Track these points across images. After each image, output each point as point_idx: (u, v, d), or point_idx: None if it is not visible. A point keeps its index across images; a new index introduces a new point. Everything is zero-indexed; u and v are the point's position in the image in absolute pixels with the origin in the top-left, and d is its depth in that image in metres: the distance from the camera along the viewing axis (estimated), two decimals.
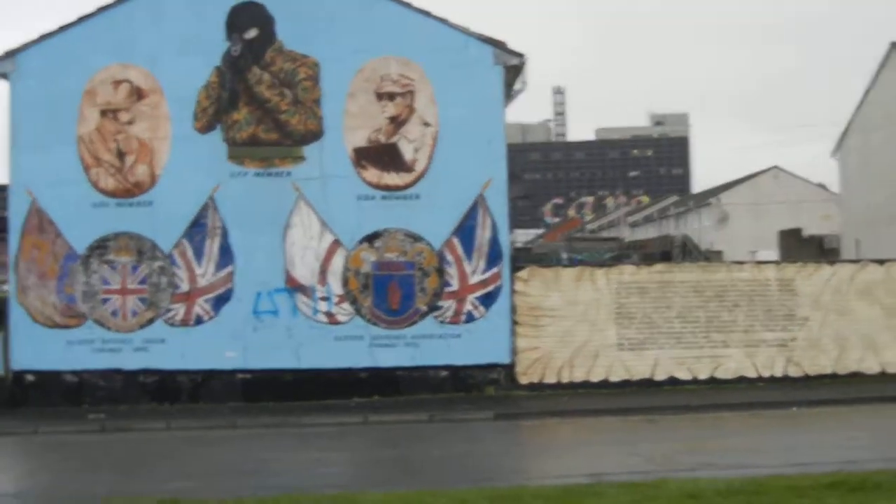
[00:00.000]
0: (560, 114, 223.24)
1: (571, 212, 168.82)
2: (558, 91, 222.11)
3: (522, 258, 51.82)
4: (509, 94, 25.87)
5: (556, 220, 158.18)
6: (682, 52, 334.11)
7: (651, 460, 14.95)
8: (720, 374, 23.38)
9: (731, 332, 23.50)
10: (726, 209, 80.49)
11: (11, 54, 23.91)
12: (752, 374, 23.44)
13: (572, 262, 37.95)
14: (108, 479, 15.12)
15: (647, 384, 23.15)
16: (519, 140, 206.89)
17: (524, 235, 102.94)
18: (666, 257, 42.06)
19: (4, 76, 23.93)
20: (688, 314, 23.48)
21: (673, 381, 23.20)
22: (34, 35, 24.23)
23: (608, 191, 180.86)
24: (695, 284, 23.56)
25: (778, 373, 23.54)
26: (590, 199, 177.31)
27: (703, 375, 23.35)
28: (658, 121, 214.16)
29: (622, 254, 50.80)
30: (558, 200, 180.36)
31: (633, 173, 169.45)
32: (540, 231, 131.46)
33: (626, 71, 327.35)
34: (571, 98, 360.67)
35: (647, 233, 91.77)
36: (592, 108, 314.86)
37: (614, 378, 23.19)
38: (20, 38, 24.63)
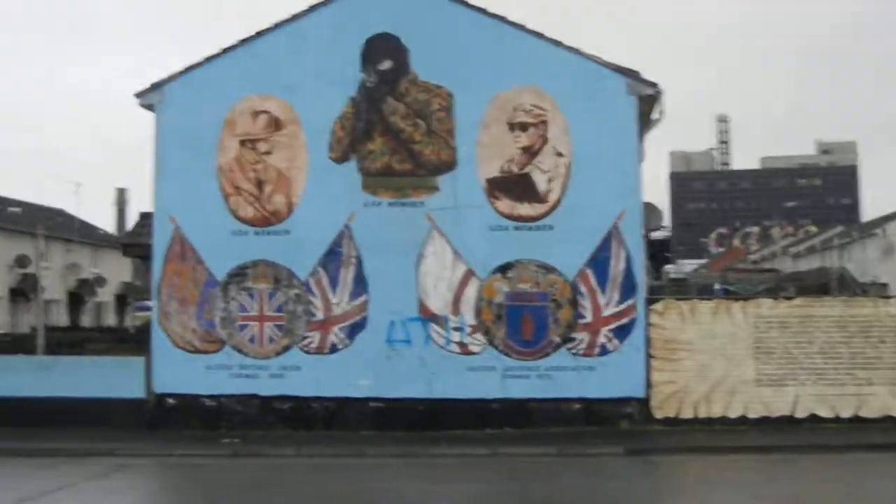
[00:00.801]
0: (724, 142, 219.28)
1: (736, 242, 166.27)
2: (722, 119, 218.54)
3: (672, 290, 51.20)
4: (646, 123, 25.60)
5: (721, 249, 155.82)
6: (849, 78, 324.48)
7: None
8: (864, 413, 22.58)
9: (877, 370, 22.70)
10: (892, 240, 77.69)
11: (158, 86, 24.65)
12: None
13: (724, 294, 37.28)
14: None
15: (787, 421, 22.51)
16: (683, 169, 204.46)
17: (688, 266, 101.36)
18: (823, 290, 40.98)
19: (151, 107, 24.66)
20: (830, 350, 22.78)
21: (814, 419, 22.51)
22: (179, 67, 24.94)
23: (774, 220, 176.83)
24: (838, 319, 22.85)
25: None
26: (755, 229, 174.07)
27: (846, 413, 22.59)
28: (825, 149, 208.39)
29: (777, 286, 49.67)
30: (723, 230, 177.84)
31: (790, 203, 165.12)
32: (703, 261, 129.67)
33: (792, 98, 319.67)
34: (736, 125, 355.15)
35: (810, 264, 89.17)
36: (757, 137, 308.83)
37: (752, 414, 22.62)
38: (168, 70, 25.01)
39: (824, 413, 22.57)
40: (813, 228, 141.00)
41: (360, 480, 17.99)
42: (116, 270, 62.70)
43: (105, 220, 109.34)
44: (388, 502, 15.83)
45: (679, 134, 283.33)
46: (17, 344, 42.12)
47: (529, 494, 16.68)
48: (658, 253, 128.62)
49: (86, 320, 58.92)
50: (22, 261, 50.96)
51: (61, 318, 57.03)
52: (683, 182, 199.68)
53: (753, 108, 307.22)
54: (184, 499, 17.59)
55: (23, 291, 53.19)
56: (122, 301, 65.30)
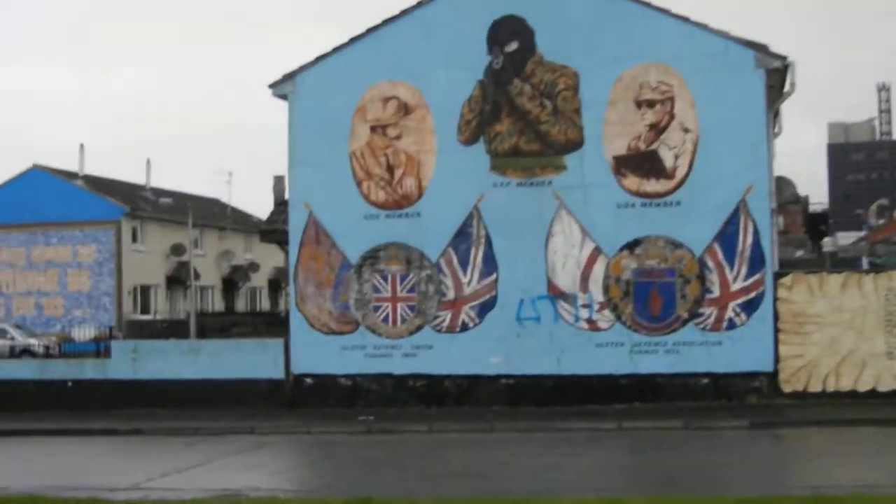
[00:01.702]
0: (885, 111, 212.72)
1: None
2: (883, 88, 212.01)
3: (823, 263, 50.42)
4: (777, 96, 25.36)
5: (881, 221, 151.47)
6: None
7: (892, 475, 14.45)
8: None
9: None
10: None
11: (290, 76, 25.46)
12: None
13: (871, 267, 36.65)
14: (349, 477, 16.08)
15: None
16: (841, 140, 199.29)
17: (847, 238, 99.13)
18: None
19: (284, 97, 25.48)
20: None
21: None
22: (310, 58, 25.67)
23: None
24: None
25: None
26: None
27: None
28: None
29: None
30: (883, 201, 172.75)
31: None
32: (863, 233, 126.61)
33: None
34: None
35: None
36: None
37: (883, 388, 22.26)
38: (299, 61, 25.85)
39: None
40: None
41: (484, 453, 18.42)
42: (270, 256, 64.40)
43: (260, 208, 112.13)
44: (505, 473, 16.18)
45: (838, 104, 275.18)
46: (172, 329, 44.20)
47: (649, 465, 16.92)
48: (816, 226, 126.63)
49: (240, 305, 60.90)
50: (177, 249, 52.88)
51: (216, 303, 59.09)
52: (842, 153, 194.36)
53: None
54: (318, 472, 18.30)
55: (179, 279, 55.25)
56: (275, 286, 67.19)
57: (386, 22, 25.13)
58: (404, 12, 25.04)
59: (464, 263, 24.19)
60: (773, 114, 27.63)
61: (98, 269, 51.56)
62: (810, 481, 14.02)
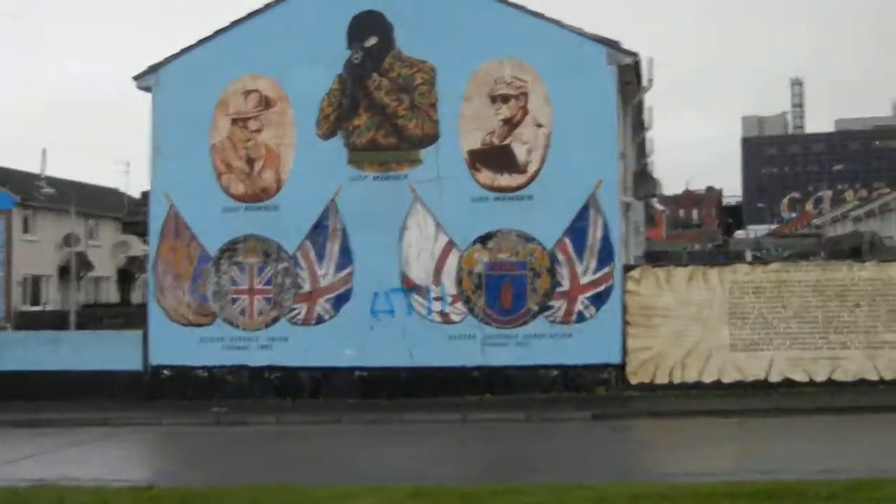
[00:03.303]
0: (798, 105, 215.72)
1: (809, 206, 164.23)
2: (796, 82, 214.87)
3: (718, 256, 51.38)
4: (633, 92, 25.95)
5: (793, 214, 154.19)
6: None
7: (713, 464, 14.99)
8: (839, 377, 22.71)
9: (852, 333, 22.83)
10: None
11: (154, 69, 25.51)
12: (873, 376, 22.70)
13: (754, 260, 37.39)
14: (173, 468, 16.30)
15: (762, 385, 22.70)
16: (755, 133, 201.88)
17: (758, 231, 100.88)
18: (855, 253, 41.02)
19: (148, 89, 25.51)
20: (805, 314, 22.94)
21: (788, 383, 22.67)
22: (174, 50, 25.72)
23: (848, 184, 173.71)
24: (814, 284, 22.98)
25: None
26: (828, 193, 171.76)
27: (820, 377, 22.73)
28: None
29: (806, 251, 49.63)
30: (795, 195, 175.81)
31: (837, 167, 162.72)
32: (773, 226, 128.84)
33: (867, 59, 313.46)
34: (810, 89, 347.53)
35: (869, 227, 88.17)
36: (832, 99, 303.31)
37: (727, 379, 22.89)
38: (163, 53, 25.84)
39: (798, 377, 22.74)
40: (887, 191, 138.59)
41: (322, 445, 18.76)
42: None
43: None
44: (332, 463, 16.47)
45: (751, 98, 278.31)
46: (61, 320, 43.63)
47: (472, 455, 17.28)
48: (727, 219, 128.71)
49: (137, 297, 60.39)
50: (69, 239, 52.33)
51: (112, 294, 58.61)
52: (756, 147, 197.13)
53: (828, 71, 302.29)
54: (145, 462, 18.47)
55: (69, 270, 54.76)
56: None
57: (250, 15, 25.30)
58: (268, 6, 25.23)
59: (320, 256, 24.41)
60: (636, 108, 28.31)
61: None
62: (628, 469, 14.47)
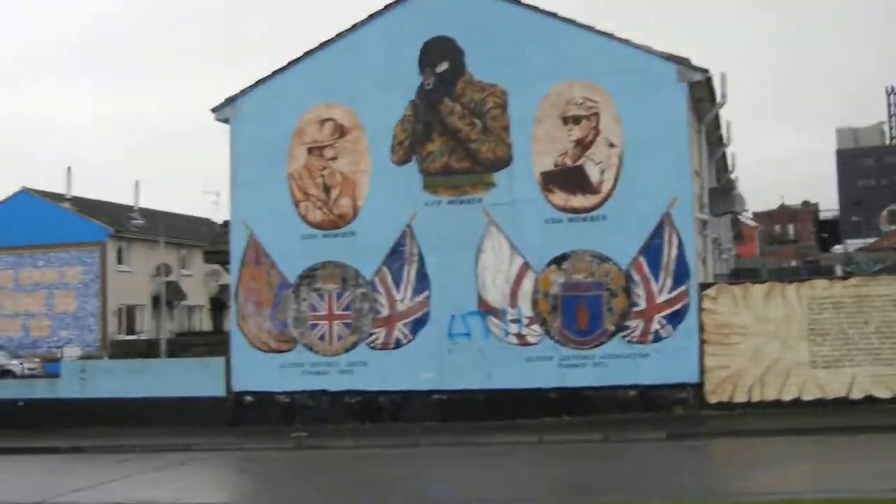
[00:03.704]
0: (895, 115, 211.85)
1: None
2: (892, 91, 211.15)
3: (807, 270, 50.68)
4: (706, 108, 25.85)
5: (892, 227, 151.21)
6: None
7: (773, 481, 14.85)
8: None
9: None
10: None
11: (232, 100, 26.09)
12: None
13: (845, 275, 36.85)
14: (250, 490, 16.52)
15: (843, 403, 22.35)
16: (851, 145, 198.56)
17: (856, 245, 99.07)
18: None
19: (226, 120, 26.09)
20: (887, 329, 22.56)
21: (870, 400, 22.28)
22: (251, 81, 26.24)
23: None
24: (894, 298, 22.63)
25: None
26: None
27: None
28: None
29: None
30: (894, 207, 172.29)
31: None
32: (872, 240, 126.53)
33: None
34: None
35: None
36: None
37: (807, 396, 22.57)
38: (240, 85, 26.40)
39: (881, 394, 22.30)
40: None
41: (397, 468, 18.91)
42: None
43: None
44: (404, 485, 16.63)
45: (846, 109, 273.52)
46: (154, 348, 44.55)
47: (544, 476, 17.30)
48: (825, 233, 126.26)
49: (228, 324, 61.29)
50: (161, 269, 53.41)
51: (205, 322, 59.60)
52: (851, 159, 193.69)
53: None
54: (223, 485, 18.79)
55: (165, 298, 55.86)
56: None
57: (322, 45, 25.73)
58: (339, 35, 25.63)
59: (397, 281, 24.67)
60: (711, 125, 28.15)
61: (84, 290, 52.31)
62: (698, 488, 14.41)
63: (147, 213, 56.96)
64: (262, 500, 15.44)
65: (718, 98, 26.31)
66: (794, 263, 74.21)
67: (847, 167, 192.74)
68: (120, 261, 54.13)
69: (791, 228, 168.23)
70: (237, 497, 16.25)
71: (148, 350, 44.30)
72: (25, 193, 55.14)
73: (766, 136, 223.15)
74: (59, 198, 55.33)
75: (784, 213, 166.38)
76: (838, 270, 46.89)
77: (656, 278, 23.41)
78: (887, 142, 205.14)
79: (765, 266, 51.85)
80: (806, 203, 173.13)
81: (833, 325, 22.73)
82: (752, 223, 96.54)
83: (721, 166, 37.59)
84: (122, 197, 68.03)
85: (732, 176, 43.30)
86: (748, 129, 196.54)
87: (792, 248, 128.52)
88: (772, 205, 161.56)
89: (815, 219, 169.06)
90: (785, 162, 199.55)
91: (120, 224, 53.09)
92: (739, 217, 61.05)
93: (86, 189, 57.16)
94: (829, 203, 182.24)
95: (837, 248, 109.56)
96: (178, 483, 18.55)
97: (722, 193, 27.68)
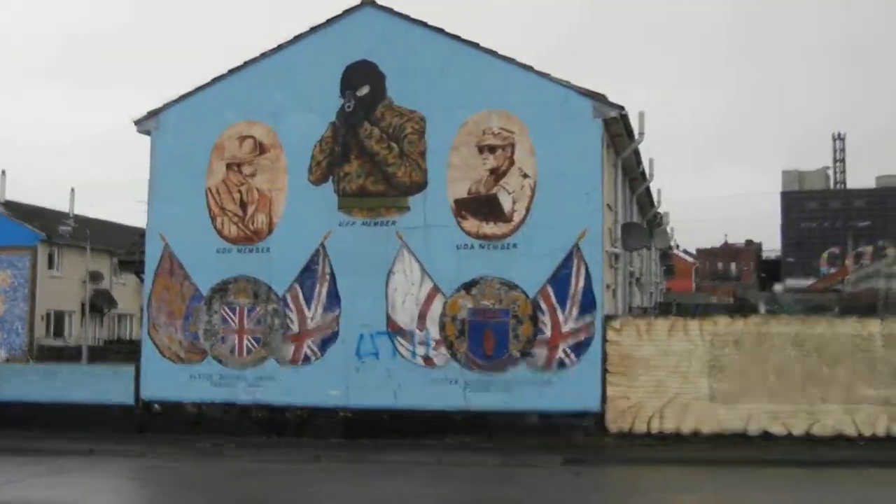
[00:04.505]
0: (840, 160, 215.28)
1: (848, 261, 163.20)
2: (838, 137, 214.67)
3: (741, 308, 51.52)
4: (623, 145, 26.41)
5: (832, 269, 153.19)
6: None
7: None
8: (817, 431, 22.80)
9: (831, 388, 22.97)
10: None
11: (154, 113, 26.32)
12: (851, 431, 22.80)
13: (767, 313, 37.54)
14: (134, 499, 16.69)
15: (740, 438, 22.86)
16: (796, 188, 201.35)
17: (798, 284, 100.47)
18: (870, 310, 40.95)
19: (148, 132, 26.30)
20: (784, 368, 23.12)
21: (766, 436, 22.83)
22: (173, 96, 26.52)
23: (890, 241, 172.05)
24: (793, 338, 23.16)
25: (881, 431, 22.81)
26: (869, 249, 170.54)
27: (798, 431, 22.86)
28: None
29: (822, 306, 49.55)
30: (835, 250, 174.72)
31: (862, 223, 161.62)
32: (811, 281, 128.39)
33: None
34: (851, 144, 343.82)
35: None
36: (874, 154, 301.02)
37: (706, 430, 23.04)
38: (163, 98, 26.63)
39: (777, 430, 22.85)
40: None
41: (287, 483, 19.09)
42: None
43: None
44: (296, 499, 16.89)
45: (794, 154, 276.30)
46: (79, 354, 44.44)
47: (433, 495, 17.62)
48: (764, 272, 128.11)
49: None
50: (94, 277, 53.29)
51: (136, 331, 59.41)
52: (796, 201, 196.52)
53: (869, 124, 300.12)
54: (115, 491, 18.94)
55: (95, 306, 55.71)
56: None
57: (246, 64, 26.04)
58: (263, 55, 25.97)
59: (308, 298, 24.97)
60: (631, 160, 28.69)
61: (13, 294, 51.92)
62: None
63: (82, 221, 56.80)
64: None
65: (636, 135, 26.89)
66: (729, 300, 75.12)
67: (791, 209, 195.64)
68: (51, 266, 53.88)
69: (733, 266, 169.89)
70: (117, 502, 16.42)
71: (75, 356, 44.31)
72: None
73: (715, 175, 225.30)
74: None
75: (728, 251, 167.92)
76: (762, 308, 47.78)
77: (563, 308, 23.85)
78: (832, 186, 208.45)
79: (691, 300, 52.83)
80: (749, 242, 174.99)
81: (733, 362, 23.26)
82: (689, 259, 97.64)
83: (646, 201, 38.24)
84: (58, 204, 67.58)
85: (661, 211, 44.02)
86: (699, 166, 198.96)
87: (734, 285, 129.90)
88: (716, 242, 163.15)
89: (758, 258, 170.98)
90: (731, 200, 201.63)
91: (52, 230, 52.86)
92: (671, 253, 61.93)
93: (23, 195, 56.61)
94: (773, 243, 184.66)
95: (778, 287, 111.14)
96: (69, 487, 18.68)
97: (635, 229, 28.19)
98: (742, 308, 50.84)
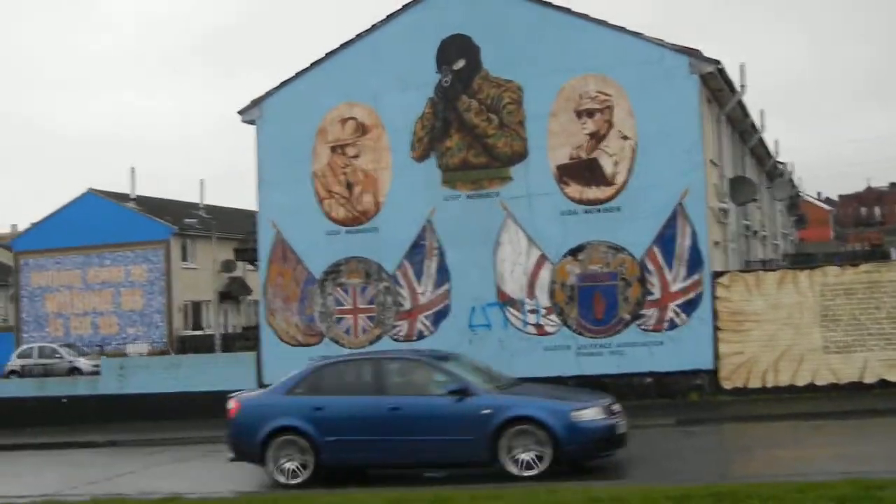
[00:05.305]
0: None
1: None
2: None
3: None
4: (724, 98, 26.06)
5: None
6: None
7: (755, 466, 15.14)
8: None
9: None
10: None
11: (257, 103, 26.88)
12: None
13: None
14: (241, 482, 17.19)
15: (856, 387, 22.48)
16: None
17: None
18: None
19: (252, 122, 26.89)
20: None
21: (884, 384, 22.39)
22: (275, 83, 27.02)
23: None
24: None
25: None
26: None
27: None
28: None
29: None
30: None
31: None
32: None
33: None
34: None
35: None
36: None
37: (820, 382, 22.72)
38: (266, 87, 27.17)
39: (893, 378, 22.41)
40: None
41: None
42: None
43: None
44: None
45: None
46: (205, 343, 45.71)
47: None
48: None
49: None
50: (227, 266, 54.54)
51: None
52: None
53: None
54: (228, 477, 19.53)
55: (230, 294, 57.12)
56: None
57: (342, 46, 26.38)
58: (359, 36, 26.30)
59: (419, 274, 25.29)
60: (739, 113, 28.30)
61: (150, 288, 53.61)
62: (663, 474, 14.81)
63: (213, 210, 58.15)
64: (259, 489, 16.11)
65: (738, 88, 26.50)
66: (863, 247, 73.39)
67: None
68: (185, 258, 55.41)
69: (878, 210, 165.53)
70: (234, 487, 16.87)
71: (212, 345, 45.64)
72: (91, 195, 56.63)
73: (859, 117, 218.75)
74: (123, 198, 56.77)
75: (871, 196, 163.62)
76: (893, 255, 46.60)
77: (670, 267, 23.72)
78: None
79: (821, 249, 51.76)
80: (893, 185, 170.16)
81: (845, 311, 22.84)
82: (826, 207, 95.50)
83: (763, 153, 37.58)
84: (188, 196, 69.37)
85: (781, 161, 43.24)
86: (837, 109, 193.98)
87: (878, 230, 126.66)
88: (861, 188, 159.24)
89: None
90: (876, 142, 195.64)
91: (183, 222, 54.32)
92: (800, 202, 60.66)
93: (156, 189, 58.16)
94: None
95: None
96: (187, 474, 19.36)
97: (743, 182, 27.75)
98: (872, 255, 49.71)
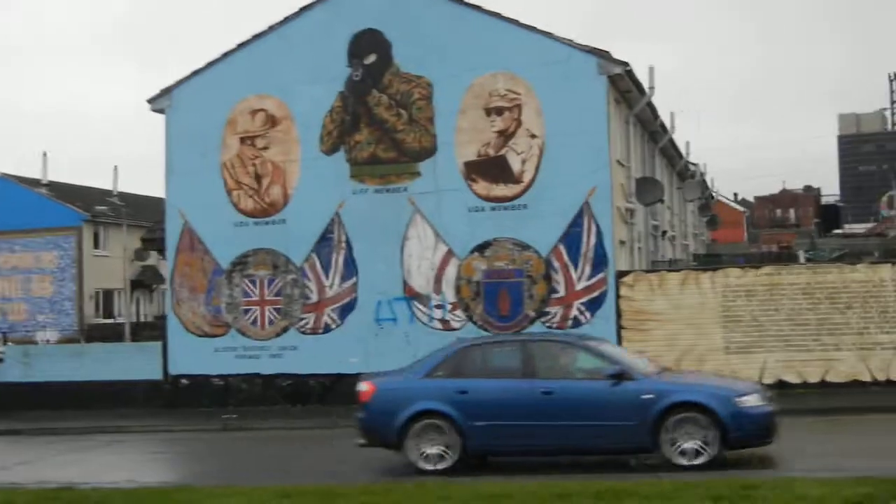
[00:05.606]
0: None
1: None
2: (894, 78, 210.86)
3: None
4: (635, 100, 26.41)
5: (893, 212, 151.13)
6: None
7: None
8: (831, 378, 22.86)
9: (844, 335, 22.95)
10: None
11: (167, 91, 26.72)
12: (865, 377, 22.79)
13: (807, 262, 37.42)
14: (144, 470, 17.15)
15: None
16: (853, 131, 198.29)
17: (857, 230, 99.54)
18: None
19: (161, 111, 26.72)
20: (797, 317, 23.13)
21: (781, 385, 22.81)
22: (186, 73, 26.86)
23: None
24: (804, 287, 23.17)
25: (895, 376, 22.78)
26: None
27: (812, 379, 22.93)
28: None
29: (864, 250, 49.19)
30: (894, 192, 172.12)
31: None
32: (871, 225, 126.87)
33: None
34: None
35: None
36: None
37: None
38: (175, 76, 27.00)
39: (791, 379, 22.92)
40: None
41: (304, 447, 19.63)
42: None
43: None
44: (282, 467, 17.31)
45: (852, 97, 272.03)
46: (132, 331, 45.11)
47: None
48: (826, 217, 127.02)
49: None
50: (140, 254, 53.93)
51: None
52: (852, 145, 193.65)
53: None
54: (130, 466, 19.38)
55: (143, 283, 56.48)
56: None
57: (254, 37, 26.32)
58: (271, 28, 26.26)
59: (326, 267, 25.35)
60: (649, 115, 28.68)
61: (60, 275, 52.83)
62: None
63: (127, 198, 57.35)
64: (160, 478, 16.08)
65: (647, 90, 26.89)
66: (773, 249, 74.60)
67: (848, 153, 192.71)
68: (97, 245, 54.73)
69: (792, 213, 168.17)
70: (136, 476, 16.83)
71: (123, 334, 45.04)
72: (2, 180, 55.69)
73: (773, 121, 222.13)
74: (35, 183, 55.87)
75: (785, 198, 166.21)
76: (801, 257, 47.49)
77: (576, 266, 24.01)
78: (889, 128, 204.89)
79: (730, 251, 52.59)
80: (808, 188, 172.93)
81: (746, 313, 23.32)
82: (739, 208, 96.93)
83: (674, 154, 38.11)
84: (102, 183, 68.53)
85: (692, 163, 43.87)
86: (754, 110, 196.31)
87: (794, 232, 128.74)
88: (777, 190, 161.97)
89: (817, 204, 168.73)
90: (788, 145, 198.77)
91: (95, 209, 53.59)
92: (713, 203, 61.53)
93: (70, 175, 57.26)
94: (833, 188, 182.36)
95: (838, 233, 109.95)
96: (90, 464, 19.20)
97: (650, 183, 28.15)
98: (780, 257, 50.64)
